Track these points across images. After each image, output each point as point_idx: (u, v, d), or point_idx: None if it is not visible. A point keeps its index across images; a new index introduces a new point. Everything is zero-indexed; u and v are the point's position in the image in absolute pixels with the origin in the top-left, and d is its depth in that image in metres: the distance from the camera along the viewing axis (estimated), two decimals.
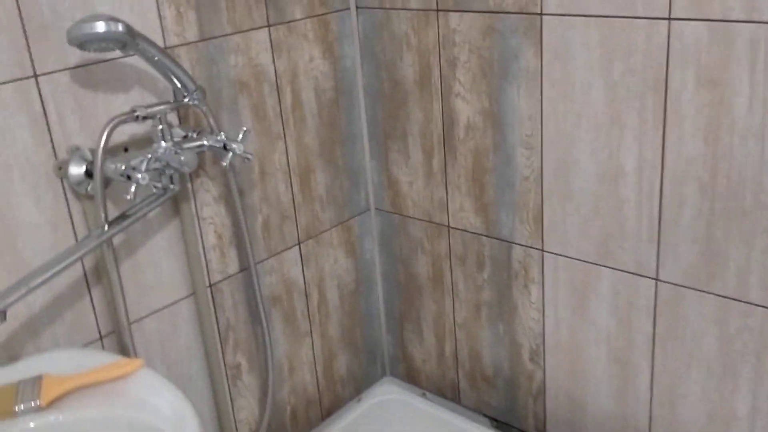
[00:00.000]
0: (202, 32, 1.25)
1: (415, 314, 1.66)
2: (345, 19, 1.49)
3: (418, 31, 1.40)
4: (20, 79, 1.05)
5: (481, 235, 1.46)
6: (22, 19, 1.03)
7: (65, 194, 1.12)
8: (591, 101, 1.22)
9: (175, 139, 1.14)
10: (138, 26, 1.15)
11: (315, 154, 1.49)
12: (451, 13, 1.34)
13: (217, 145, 1.16)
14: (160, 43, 1.19)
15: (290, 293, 1.52)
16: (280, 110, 1.40)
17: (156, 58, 1.07)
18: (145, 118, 1.08)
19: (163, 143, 1.11)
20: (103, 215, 1.07)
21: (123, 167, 1.06)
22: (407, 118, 1.49)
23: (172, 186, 1.15)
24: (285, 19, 1.38)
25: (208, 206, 1.32)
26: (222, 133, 1.16)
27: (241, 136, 1.18)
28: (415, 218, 1.57)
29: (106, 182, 1.08)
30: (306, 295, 1.55)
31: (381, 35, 1.46)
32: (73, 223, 1.13)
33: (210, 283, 1.36)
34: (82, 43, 0.97)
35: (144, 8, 1.16)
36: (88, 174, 1.10)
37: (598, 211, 1.27)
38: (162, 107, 1.10)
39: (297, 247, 1.50)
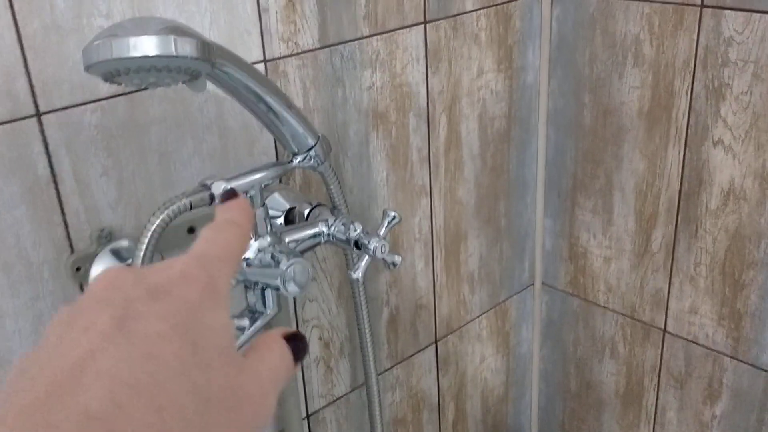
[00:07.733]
0: (325, 34, 0.75)
1: None
2: (533, 12, 0.96)
3: (659, 33, 0.87)
4: (12, 121, 0.57)
5: (722, 354, 0.95)
6: (16, 23, 0.55)
7: None
8: None
9: (275, 229, 0.65)
10: (221, 31, 0.66)
11: (470, 214, 0.99)
12: (728, 12, 0.81)
13: (343, 238, 0.67)
14: (258, 53, 0.70)
15: (418, 412, 1.03)
16: (429, 152, 0.90)
17: (251, 97, 0.58)
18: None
19: (254, 242, 0.63)
20: None
21: None
22: (617, 164, 0.97)
23: (265, 310, 0.66)
24: (450, 12, 0.86)
25: (311, 302, 0.84)
26: (355, 224, 0.66)
27: (384, 228, 0.68)
28: (607, 308, 1.06)
29: None
30: (439, 412, 1.06)
31: (588, 34, 0.93)
32: None
33: (308, 412, 0.89)
34: (110, 74, 0.48)
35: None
36: None
37: None
38: (256, 177, 0.62)
39: (433, 346, 1.02)
